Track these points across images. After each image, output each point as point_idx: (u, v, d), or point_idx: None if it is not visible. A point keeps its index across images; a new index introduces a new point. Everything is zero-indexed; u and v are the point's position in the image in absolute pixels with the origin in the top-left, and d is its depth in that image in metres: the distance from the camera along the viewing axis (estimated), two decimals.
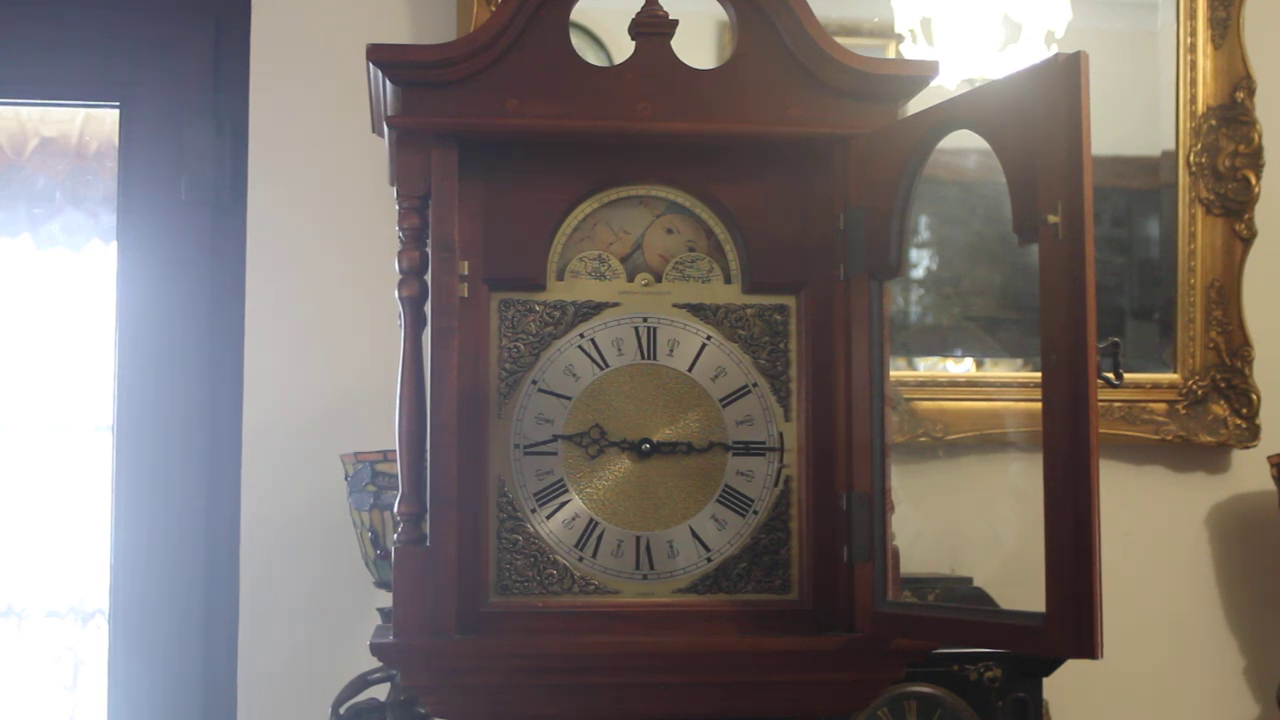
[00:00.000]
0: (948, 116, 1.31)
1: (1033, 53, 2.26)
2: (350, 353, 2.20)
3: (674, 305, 1.44)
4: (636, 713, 1.35)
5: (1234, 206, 2.30)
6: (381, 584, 1.92)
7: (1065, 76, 1.18)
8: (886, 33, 2.30)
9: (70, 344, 2.50)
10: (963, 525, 2.21)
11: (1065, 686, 2.04)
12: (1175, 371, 2.31)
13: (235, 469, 2.19)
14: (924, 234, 2.32)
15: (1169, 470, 2.34)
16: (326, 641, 2.14)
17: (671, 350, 1.43)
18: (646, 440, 1.41)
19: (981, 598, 1.99)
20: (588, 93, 1.39)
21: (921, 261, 2.33)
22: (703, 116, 1.39)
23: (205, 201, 2.27)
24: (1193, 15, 2.30)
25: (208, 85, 2.29)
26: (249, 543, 2.16)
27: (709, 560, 1.42)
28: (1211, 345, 2.30)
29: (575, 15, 1.41)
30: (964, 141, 1.32)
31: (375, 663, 1.36)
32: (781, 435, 1.43)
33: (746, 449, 1.43)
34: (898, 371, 2.25)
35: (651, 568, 1.41)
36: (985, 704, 1.88)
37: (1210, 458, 2.33)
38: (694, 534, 1.41)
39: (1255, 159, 2.31)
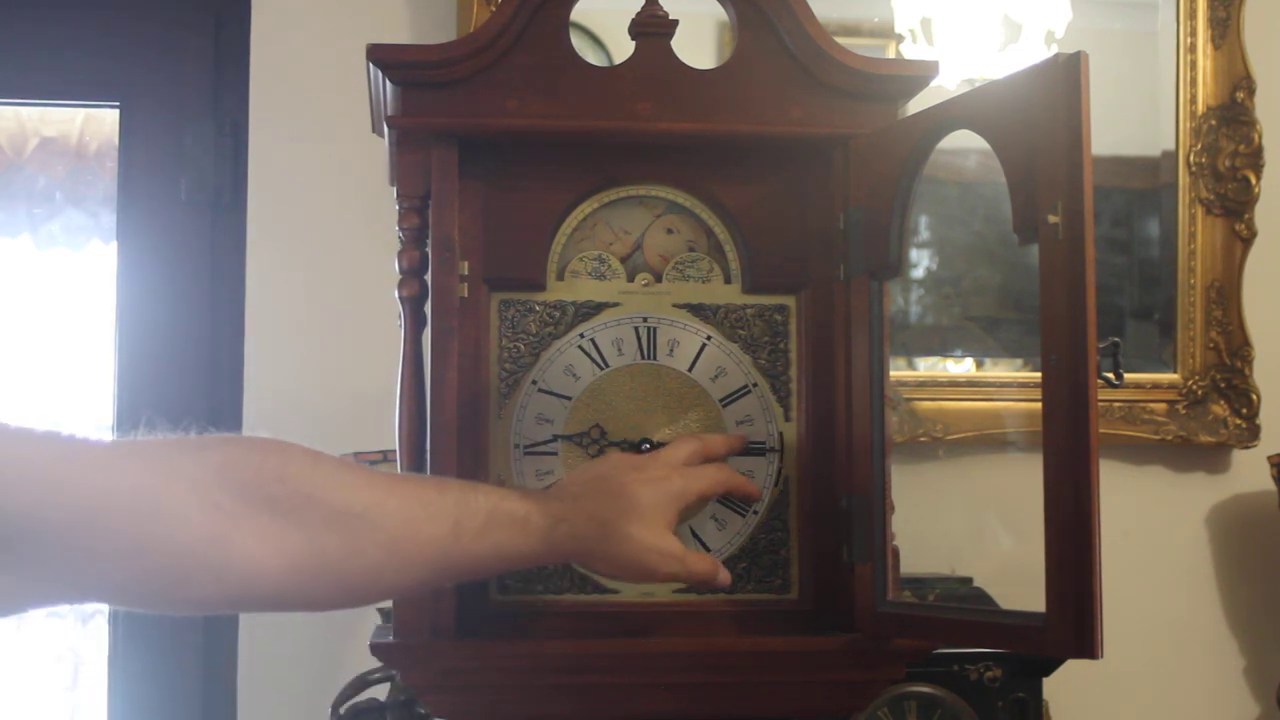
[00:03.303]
0: (948, 116, 1.31)
1: (1033, 53, 2.26)
2: (350, 352, 2.20)
3: (674, 305, 1.44)
4: (636, 713, 1.35)
5: (1234, 206, 2.31)
6: None
7: (1065, 76, 1.18)
8: (886, 33, 2.30)
9: (70, 344, 2.50)
10: (963, 525, 2.21)
11: (1065, 686, 2.04)
12: (1175, 371, 2.31)
13: None
14: (924, 234, 2.32)
15: (1169, 470, 2.34)
16: (326, 641, 2.14)
17: (671, 350, 1.43)
18: (647, 440, 1.41)
19: (981, 598, 1.99)
20: (588, 93, 1.39)
21: (921, 261, 2.33)
22: (703, 116, 1.39)
23: (205, 201, 2.27)
24: (1193, 15, 2.30)
25: (208, 85, 2.29)
26: None
27: None
28: (1211, 345, 2.30)
29: (575, 15, 1.41)
30: (964, 141, 1.32)
31: (375, 663, 1.36)
32: (781, 435, 1.43)
33: (747, 449, 1.43)
34: (898, 371, 2.25)
35: None
36: (985, 704, 1.88)
37: (1210, 458, 2.33)
38: (694, 534, 1.41)
39: (1255, 159, 2.31)
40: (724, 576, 1.31)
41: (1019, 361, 2.30)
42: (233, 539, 1.10)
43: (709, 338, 1.43)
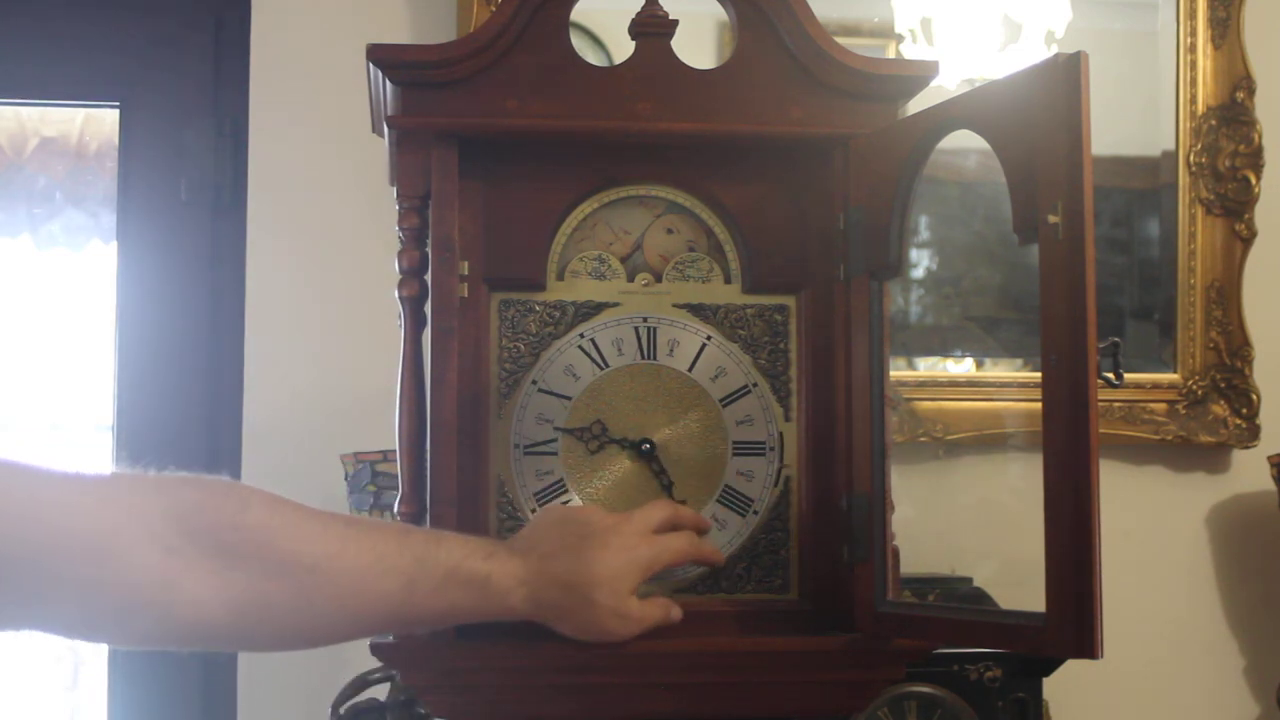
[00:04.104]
0: (948, 116, 1.31)
1: (1033, 53, 2.26)
2: (350, 353, 2.20)
3: (674, 305, 1.44)
4: (636, 713, 1.35)
5: (1234, 206, 2.31)
6: None
7: (1065, 76, 1.18)
8: (886, 33, 2.30)
9: (70, 344, 2.50)
10: (963, 525, 2.21)
11: (1065, 686, 2.04)
12: (1175, 371, 2.31)
13: (235, 469, 2.19)
14: (924, 234, 2.32)
15: (1169, 470, 2.34)
16: None
17: (671, 350, 1.43)
18: (647, 440, 1.41)
19: (981, 598, 1.99)
20: (588, 93, 1.39)
21: (921, 261, 2.33)
22: (703, 116, 1.39)
23: (205, 201, 2.27)
24: (1193, 15, 2.30)
25: (208, 85, 2.29)
26: None
27: None
28: (1211, 345, 2.30)
29: (575, 15, 1.41)
30: (964, 141, 1.32)
31: (375, 663, 1.36)
32: (781, 435, 1.43)
33: (746, 449, 1.43)
34: (898, 371, 2.25)
35: None
36: (985, 704, 1.88)
37: (1210, 458, 2.33)
38: None
39: (1255, 159, 2.31)
40: (675, 613, 1.32)
41: (1019, 361, 2.30)
42: (180, 583, 1.12)
43: (709, 338, 1.43)
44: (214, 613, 1.13)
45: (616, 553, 1.27)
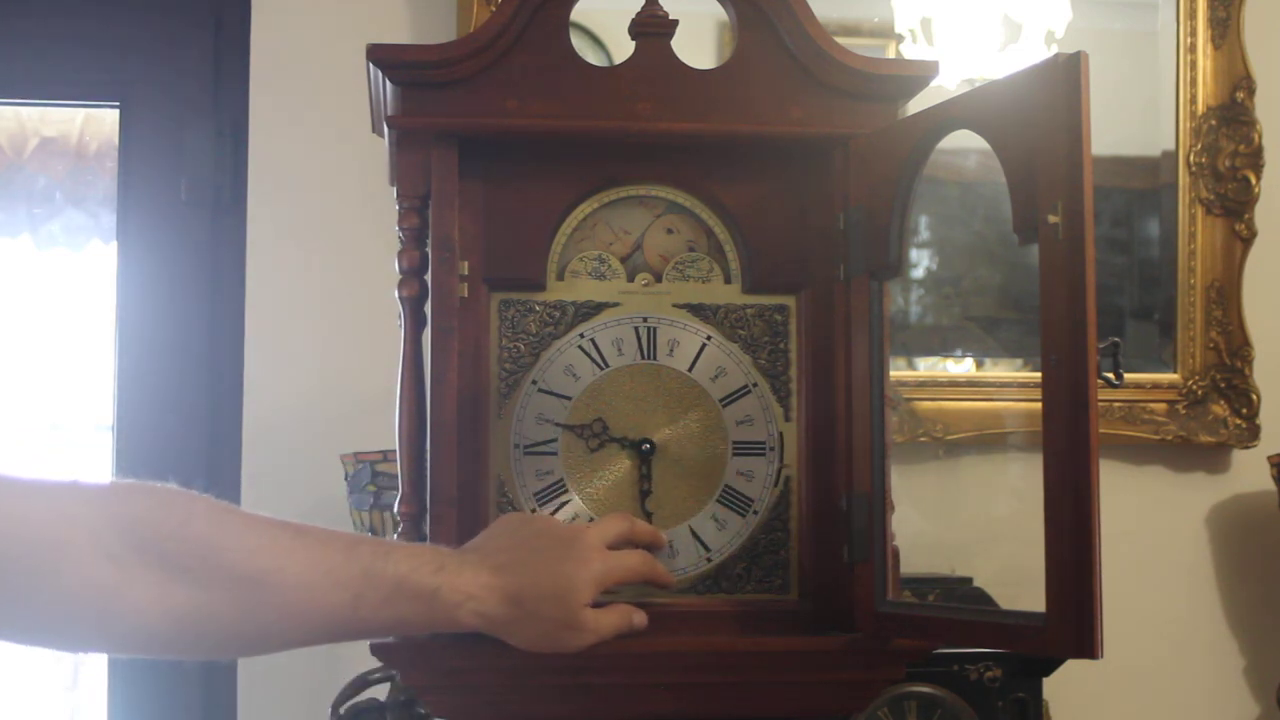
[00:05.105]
0: (948, 116, 1.31)
1: (1033, 53, 2.27)
2: (350, 353, 2.20)
3: (674, 305, 1.43)
4: (636, 713, 1.35)
5: (1234, 206, 2.31)
6: None
7: (1065, 76, 1.18)
8: (886, 33, 2.30)
9: (70, 344, 2.50)
10: (963, 525, 2.21)
11: (1065, 686, 2.04)
12: (1175, 371, 2.31)
13: (235, 469, 2.19)
14: (924, 234, 2.32)
15: (1169, 470, 2.34)
16: None
17: (671, 350, 1.43)
18: (647, 440, 1.41)
19: (981, 598, 1.99)
20: (588, 93, 1.39)
21: (921, 261, 2.33)
22: (703, 116, 1.39)
23: (205, 201, 2.27)
24: (1193, 15, 2.30)
25: (208, 85, 2.29)
26: None
27: (709, 560, 1.42)
28: (1211, 345, 2.30)
29: (575, 15, 1.41)
30: (964, 141, 1.32)
31: (375, 663, 1.36)
32: (781, 435, 1.43)
33: (746, 449, 1.43)
34: (898, 371, 2.25)
35: None
36: (985, 704, 1.89)
37: (1210, 458, 2.33)
38: (694, 534, 1.41)
39: (1255, 159, 2.31)
40: (638, 619, 1.30)
41: (1019, 361, 2.30)
42: (121, 591, 1.12)
43: (709, 338, 1.43)
44: (155, 622, 1.13)
45: (570, 566, 1.25)
